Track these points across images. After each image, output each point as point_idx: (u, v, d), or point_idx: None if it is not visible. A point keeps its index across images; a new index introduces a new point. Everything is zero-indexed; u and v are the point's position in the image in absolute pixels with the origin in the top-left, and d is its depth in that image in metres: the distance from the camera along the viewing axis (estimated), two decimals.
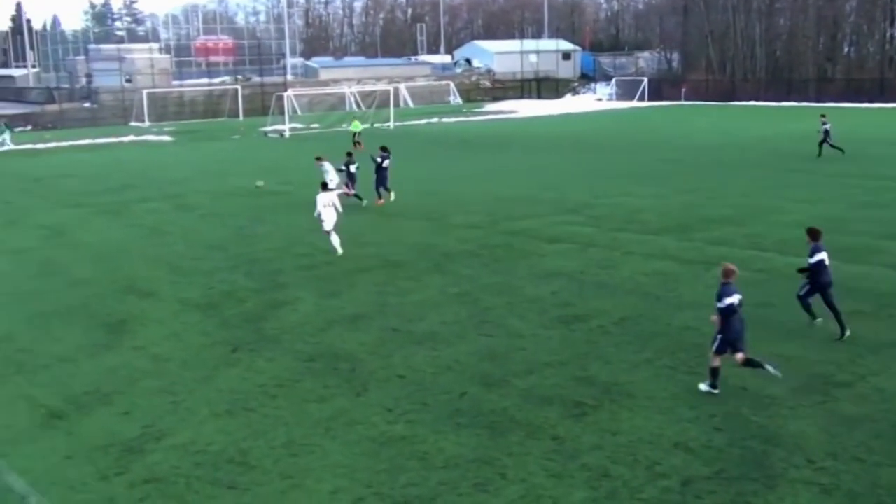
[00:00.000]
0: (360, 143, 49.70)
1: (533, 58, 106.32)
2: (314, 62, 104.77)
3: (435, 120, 71.43)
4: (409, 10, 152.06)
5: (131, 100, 78.72)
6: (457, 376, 13.90)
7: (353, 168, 29.85)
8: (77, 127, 72.91)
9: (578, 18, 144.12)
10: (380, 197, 30.08)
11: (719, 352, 12.61)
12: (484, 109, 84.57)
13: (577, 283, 19.22)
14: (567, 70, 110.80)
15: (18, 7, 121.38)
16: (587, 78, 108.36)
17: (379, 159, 29.82)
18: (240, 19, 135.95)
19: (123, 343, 16.23)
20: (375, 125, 65.66)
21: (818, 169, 35.61)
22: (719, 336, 12.55)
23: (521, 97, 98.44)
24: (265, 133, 62.80)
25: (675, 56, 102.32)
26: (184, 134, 65.84)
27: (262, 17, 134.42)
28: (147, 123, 74.46)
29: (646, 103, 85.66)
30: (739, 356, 12.61)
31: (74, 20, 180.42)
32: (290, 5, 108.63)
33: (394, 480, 10.58)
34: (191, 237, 26.02)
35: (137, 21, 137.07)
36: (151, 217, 29.80)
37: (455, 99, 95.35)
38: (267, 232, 26.28)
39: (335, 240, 22.49)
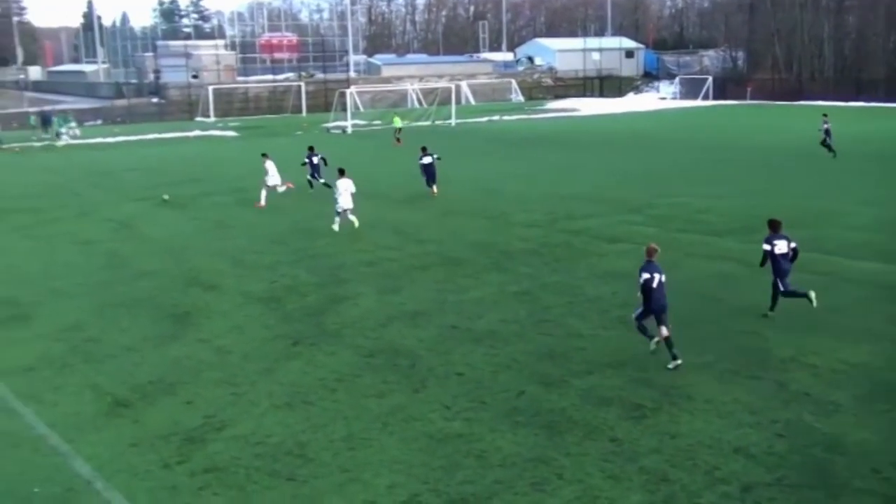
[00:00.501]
0: (399, 140, 51.16)
1: (595, 55, 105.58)
2: (377, 59, 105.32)
3: (496, 118, 71.36)
4: (472, 8, 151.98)
5: (197, 95, 79.98)
6: (515, 375, 13.90)
7: (315, 160, 32.56)
8: (144, 122, 74.30)
9: (642, 16, 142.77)
10: (433, 190, 31.28)
11: (639, 318, 14.35)
12: (545, 107, 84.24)
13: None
14: (630, 68, 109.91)
15: (89, 4, 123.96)
16: (650, 76, 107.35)
17: (424, 160, 31.27)
18: (304, 16, 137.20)
19: (187, 334, 16.52)
20: (436, 122, 65.95)
21: (881, 171, 34.83)
22: (642, 306, 14.20)
23: (583, 95, 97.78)
24: (328, 129, 63.29)
25: (741, 54, 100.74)
26: (248, 129, 66.67)
27: (326, 15, 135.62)
28: (212, 119, 75.58)
29: (710, 102, 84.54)
30: (663, 330, 13.96)
31: (143, 17, 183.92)
32: (353, 2, 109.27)
33: (450, 477, 10.63)
34: (253, 231, 26.36)
35: (204, 18, 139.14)
36: (215, 211, 30.25)
37: (516, 97, 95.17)
38: (327, 227, 26.46)
39: (338, 220, 25.43)
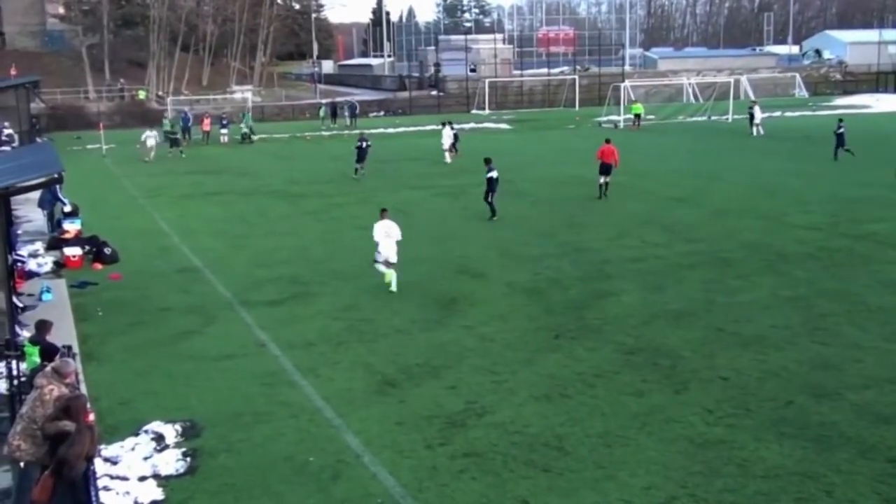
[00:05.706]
0: (637, 124, 58.45)
1: (892, 49, 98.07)
2: (653, 53, 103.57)
3: (777, 114, 68.13)
4: None
5: (474, 88, 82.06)
6: (784, 383, 13.28)
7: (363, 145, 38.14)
8: (423, 113, 77.18)
9: None
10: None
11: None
12: (832, 104, 79.32)
13: None
14: None
15: (379, 0, 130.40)
16: None
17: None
18: (582, 10, 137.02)
19: (453, 321, 17.07)
20: (713, 118, 64.11)
21: None
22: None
23: (876, 91, 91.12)
24: (600, 123, 63.03)
25: None
26: (521, 122, 67.64)
27: (605, 8, 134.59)
28: (487, 111, 77.31)
29: None
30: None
31: (428, 12, 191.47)
32: None
33: (709, 484, 10.33)
34: (521, 223, 26.74)
35: (485, 13, 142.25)
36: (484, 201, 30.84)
37: (800, 92, 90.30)
38: (596, 221, 26.42)
39: None
